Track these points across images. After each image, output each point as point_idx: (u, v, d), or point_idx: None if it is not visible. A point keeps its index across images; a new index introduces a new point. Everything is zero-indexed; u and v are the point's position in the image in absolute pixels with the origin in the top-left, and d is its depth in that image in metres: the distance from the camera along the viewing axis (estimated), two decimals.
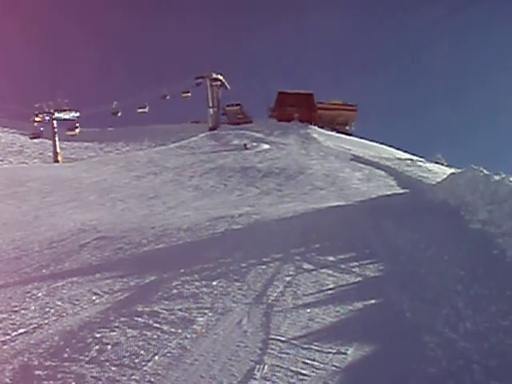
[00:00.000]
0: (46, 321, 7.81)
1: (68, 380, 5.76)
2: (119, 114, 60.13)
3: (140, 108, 61.07)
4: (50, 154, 52.05)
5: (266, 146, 51.22)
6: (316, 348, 6.51)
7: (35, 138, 54.04)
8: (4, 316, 8.03)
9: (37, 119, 55.22)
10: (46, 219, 19.23)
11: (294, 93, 72.12)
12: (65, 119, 56.17)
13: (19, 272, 10.99)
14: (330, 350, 6.44)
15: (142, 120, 63.29)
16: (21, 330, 7.41)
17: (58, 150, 51.99)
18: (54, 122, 54.19)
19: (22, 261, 11.96)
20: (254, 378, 5.73)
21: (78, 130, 57.84)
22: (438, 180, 26.28)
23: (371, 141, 63.22)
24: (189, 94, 64.71)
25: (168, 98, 62.02)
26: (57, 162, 50.29)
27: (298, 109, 70.54)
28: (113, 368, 6.04)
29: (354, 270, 10.12)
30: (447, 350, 6.39)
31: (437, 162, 43.59)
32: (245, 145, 52.38)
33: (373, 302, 8.36)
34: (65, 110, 55.92)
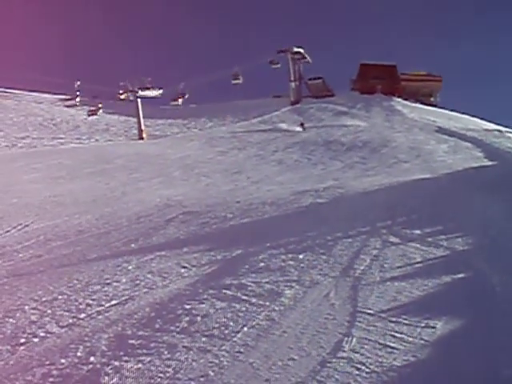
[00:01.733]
0: (137, 293, 8.02)
1: (161, 349, 5.92)
2: (186, 96, 60.15)
3: (235, 79, 61.28)
4: (135, 131, 52.88)
5: (361, 123, 49.92)
6: (404, 321, 6.48)
7: (92, 115, 54.68)
8: (97, 288, 8.29)
9: (122, 97, 56.09)
10: (133, 195, 19.64)
11: (376, 65, 70.78)
12: (149, 97, 56.83)
13: (109, 246, 11.29)
14: (419, 324, 6.40)
15: (223, 96, 63.56)
16: (114, 302, 7.64)
17: (143, 128, 52.60)
18: (138, 99, 54.88)
19: (111, 235, 12.26)
20: (343, 350, 5.75)
21: (181, 100, 59.06)
22: None
23: (457, 112, 61.68)
24: (278, 65, 64.62)
25: (239, 79, 61.45)
26: (141, 139, 50.90)
27: (380, 81, 69.29)
28: (203, 338, 6.17)
29: (441, 243, 9.99)
30: None
31: None
32: (301, 124, 47.83)
33: (461, 275, 8.25)
34: (148, 88, 56.51)
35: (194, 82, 60.64)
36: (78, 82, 56.40)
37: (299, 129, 46.17)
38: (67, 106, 56.29)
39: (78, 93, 56.29)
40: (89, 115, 54.99)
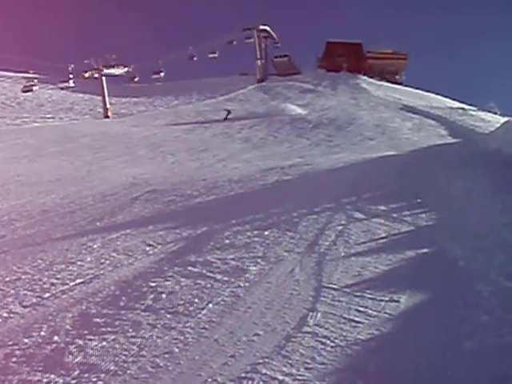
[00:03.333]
0: (102, 271, 7.98)
1: (125, 327, 5.90)
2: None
3: (211, 53, 61.15)
4: (100, 109, 52.44)
5: (327, 101, 49.82)
6: (369, 296, 6.54)
7: (27, 91, 53.76)
8: (62, 267, 8.22)
9: (86, 75, 55.58)
10: (98, 174, 19.50)
11: (342, 42, 70.90)
12: (114, 75, 56.41)
13: (74, 225, 11.19)
14: (383, 298, 6.46)
15: (190, 74, 63.29)
16: (78, 281, 7.59)
17: (108, 106, 52.28)
18: (103, 77, 54.42)
19: (76, 214, 12.16)
20: (308, 325, 5.79)
21: (162, 74, 59.11)
22: (491, 129, 25.83)
23: (422, 90, 62.10)
24: (252, 40, 64.83)
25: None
26: (107, 117, 50.59)
27: (346, 59, 69.43)
28: (168, 316, 6.17)
29: (405, 219, 10.09)
30: (502, 298, 6.35)
31: (489, 111, 42.56)
32: (228, 112, 41.63)
33: (425, 250, 8.34)
34: (113, 66, 56.09)
35: (159, 59, 60.19)
36: (72, 65, 55.56)
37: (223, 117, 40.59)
38: (61, 89, 55.53)
39: (71, 75, 55.39)
40: (23, 91, 53.77)
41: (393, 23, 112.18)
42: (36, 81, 54.37)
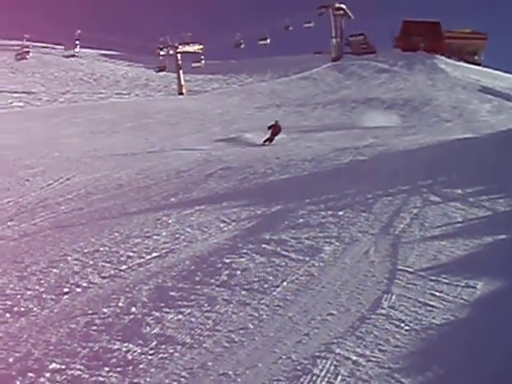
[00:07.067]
0: (177, 246, 8.11)
1: (200, 301, 5.98)
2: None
3: (306, 23, 61.02)
4: (175, 86, 52.91)
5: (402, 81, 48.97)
6: (444, 280, 6.43)
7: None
8: (138, 240, 8.40)
9: (161, 53, 56.06)
10: (172, 150, 19.77)
11: (419, 21, 69.41)
12: (189, 52, 56.72)
13: (149, 200, 11.41)
14: (459, 284, 6.34)
15: (264, 52, 63.10)
16: (154, 254, 7.74)
17: (183, 83, 52.64)
18: (178, 55, 54.84)
19: (151, 189, 12.38)
20: (382, 307, 5.75)
21: (268, 41, 58.73)
22: None
23: (502, 71, 60.42)
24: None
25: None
26: (181, 94, 51.04)
27: (423, 38, 67.94)
28: (243, 292, 6.21)
29: (483, 203, 9.88)
30: None
31: None
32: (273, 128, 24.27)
33: (503, 237, 8.15)
34: (188, 44, 56.41)
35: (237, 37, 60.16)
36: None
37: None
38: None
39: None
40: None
41: (472, 2, 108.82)
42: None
